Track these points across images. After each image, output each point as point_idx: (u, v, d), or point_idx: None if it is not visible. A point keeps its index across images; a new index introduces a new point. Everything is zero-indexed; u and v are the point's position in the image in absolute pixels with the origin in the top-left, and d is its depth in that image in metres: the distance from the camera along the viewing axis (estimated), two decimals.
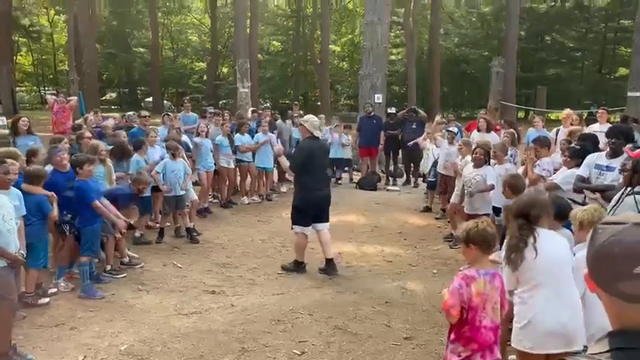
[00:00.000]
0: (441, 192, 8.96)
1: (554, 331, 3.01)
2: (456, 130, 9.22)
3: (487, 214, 6.20)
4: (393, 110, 12.48)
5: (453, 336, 2.99)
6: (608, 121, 9.37)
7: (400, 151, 11.80)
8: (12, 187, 4.51)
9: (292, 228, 6.28)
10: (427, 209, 9.41)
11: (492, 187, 6.28)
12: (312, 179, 6.10)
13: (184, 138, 8.98)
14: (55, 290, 5.33)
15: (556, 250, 3.16)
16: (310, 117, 6.42)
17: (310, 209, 6.14)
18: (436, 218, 8.86)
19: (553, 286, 3.07)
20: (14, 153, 5.13)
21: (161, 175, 7.29)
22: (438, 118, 11.05)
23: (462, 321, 2.92)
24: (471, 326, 2.91)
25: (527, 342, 3.06)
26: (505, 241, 3.30)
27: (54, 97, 9.93)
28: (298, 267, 6.26)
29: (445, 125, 10.08)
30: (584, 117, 10.38)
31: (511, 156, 8.18)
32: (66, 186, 5.51)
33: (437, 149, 9.22)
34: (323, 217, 6.25)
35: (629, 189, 4.02)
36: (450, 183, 8.45)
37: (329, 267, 6.20)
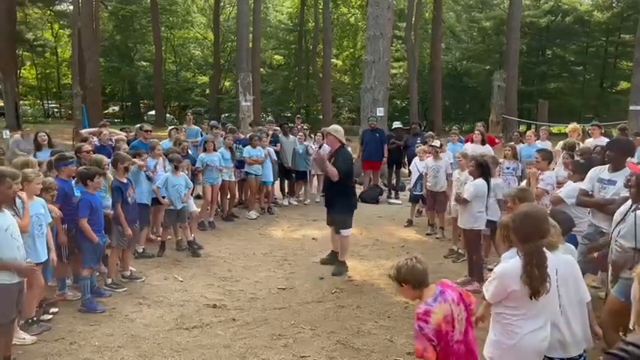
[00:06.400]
0: (429, 208, 8.95)
1: (535, 351, 2.97)
2: (439, 144, 9.20)
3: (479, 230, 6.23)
4: (399, 125, 12.50)
5: None
6: (606, 134, 9.36)
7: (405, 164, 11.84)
8: (35, 197, 4.67)
9: (340, 232, 6.65)
10: (410, 222, 9.40)
11: (465, 202, 6.23)
12: (351, 184, 6.82)
13: (190, 152, 9.13)
14: (56, 310, 5.23)
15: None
16: (335, 127, 6.65)
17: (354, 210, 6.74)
18: (427, 234, 8.76)
19: (543, 315, 2.96)
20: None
21: (163, 189, 7.28)
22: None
23: (442, 354, 2.81)
24: (445, 347, 2.81)
25: None
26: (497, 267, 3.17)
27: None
28: (344, 266, 6.69)
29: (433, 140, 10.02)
30: (586, 129, 10.36)
31: (513, 169, 8.19)
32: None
33: (421, 163, 9.18)
34: None
35: (634, 205, 3.95)
36: (438, 198, 8.45)
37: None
